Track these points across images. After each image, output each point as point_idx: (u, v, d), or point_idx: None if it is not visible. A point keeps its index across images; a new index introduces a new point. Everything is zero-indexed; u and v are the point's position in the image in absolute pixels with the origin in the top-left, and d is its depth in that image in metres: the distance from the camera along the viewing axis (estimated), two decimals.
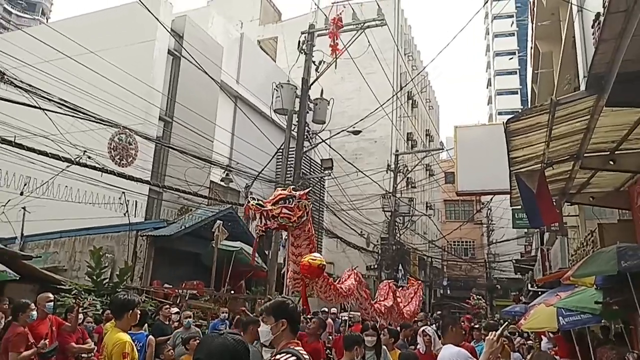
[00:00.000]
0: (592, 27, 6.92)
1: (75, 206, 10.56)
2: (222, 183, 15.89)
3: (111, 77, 11.69)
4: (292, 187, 5.72)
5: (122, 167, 10.37)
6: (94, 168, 9.53)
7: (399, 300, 9.17)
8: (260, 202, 4.99)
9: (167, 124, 15.42)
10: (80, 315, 6.81)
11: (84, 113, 9.53)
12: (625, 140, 5.84)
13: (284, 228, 5.15)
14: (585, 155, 6.16)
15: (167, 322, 7.92)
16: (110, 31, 15.37)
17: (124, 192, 10.72)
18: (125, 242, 11.69)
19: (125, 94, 11.94)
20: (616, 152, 6.12)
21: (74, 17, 17.59)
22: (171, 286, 11.44)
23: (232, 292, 12.78)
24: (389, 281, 9.66)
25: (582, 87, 9.16)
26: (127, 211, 10.94)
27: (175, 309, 8.43)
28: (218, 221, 12.07)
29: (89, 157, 9.46)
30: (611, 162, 6.20)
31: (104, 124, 10.06)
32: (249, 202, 5.06)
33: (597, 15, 6.39)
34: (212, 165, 13.96)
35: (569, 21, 10.90)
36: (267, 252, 13.19)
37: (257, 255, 13.15)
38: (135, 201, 11.39)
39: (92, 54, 12.12)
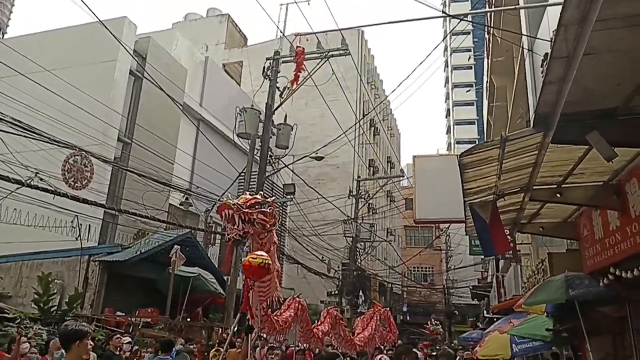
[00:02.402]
0: (541, 66, 7.36)
1: (24, 229, 10.09)
2: (182, 207, 15.59)
3: (70, 96, 11.40)
4: (261, 192, 5.51)
5: (76, 189, 10.03)
6: (46, 190, 9.17)
7: (343, 326, 9.26)
8: (236, 203, 4.72)
9: (125, 145, 15.09)
10: (26, 345, 6.44)
11: (37, 133, 9.20)
12: (571, 175, 6.15)
13: (257, 234, 4.90)
14: (535, 187, 6.43)
15: (118, 352, 7.60)
16: (71, 50, 15.07)
17: (76, 216, 10.33)
18: (76, 267, 11.21)
19: (83, 115, 11.65)
20: (563, 186, 6.42)
21: (32, 34, 17.13)
22: (124, 314, 11.01)
23: (189, 320, 12.42)
24: (329, 307, 9.77)
25: (533, 121, 9.66)
26: (79, 235, 10.53)
27: (127, 339, 8.11)
28: (176, 246, 11.79)
29: (41, 179, 9.11)
30: (558, 195, 6.48)
31: (59, 145, 9.74)
32: (223, 202, 4.79)
33: (546, 55, 6.81)
34: (172, 189, 13.69)
35: (521, 59, 11.55)
36: (225, 278, 12.94)
37: (214, 281, 12.89)
38: (88, 225, 10.99)
39: (50, 73, 11.80)
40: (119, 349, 7.65)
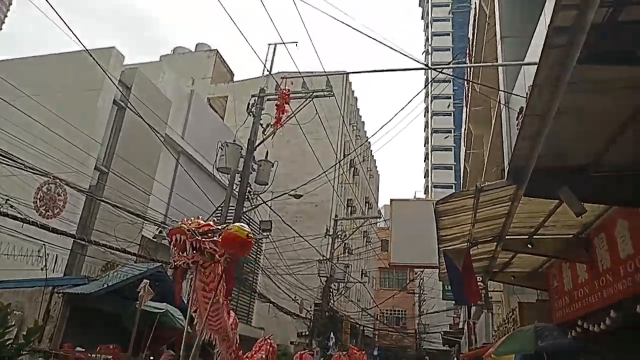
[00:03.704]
0: (517, 119, 7.64)
1: None
2: (155, 240, 15.26)
3: (50, 123, 11.27)
4: (214, 219, 5.23)
5: (47, 218, 9.76)
6: (15, 218, 8.89)
7: None
8: (190, 228, 4.45)
9: (102, 174, 14.85)
10: None
11: (9, 159, 9.00)
12: (542, 227, 6.31)
13: (201, 263, 4.57)
14: (507, 237, 6.56)
15: None
16: (55, 76, 15.00)
17: (44, 245, 10.00)
18: (38, 298, 10.72)
19: (62, 142, 11.50)
20: (534, 237, 6.57)
21: (15, 59, 17.03)
22: (84, 350, 10.51)
23: (151, 357, 11.92)
24: (303, 352, 9.58)
25: (507, 173, 9.94)
26: (45, 265, 10.15)
27: None
28: (145, 280, 11.43)
29: (11, 206, 8.84)
30: (529, 246, 6.62)
31: (33, 173, 9.54)
32: (177, 226, 4.51)
33: (521, 109, 7.09)
34: (146, 221, 13.44)
35: (497, 110, 11.98)
36: (193, 315, 12.55)
37: (182, 318, 12.47)
38: (56, 255, 10.63)
39: (30, 98, 11.69)
40: None
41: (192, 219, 4.68)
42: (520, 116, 6.99)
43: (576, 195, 4.95)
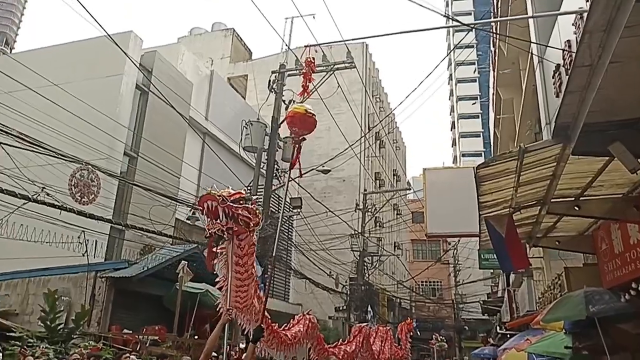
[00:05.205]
0: (553, 77, 7.24)
1: (30, 245, 9.97)
2: (188, 221, 15.45)
3: (76, 110, 11.38)
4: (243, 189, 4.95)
5: (83, 204, 9.93)
6: (53, 206, 9.07)
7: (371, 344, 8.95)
8: (221, 195, 4.22)
9: (132, 159, 15.04)
10: None
11: (44, 148, 9.14)
12: (589, 187, 6.01)
13: (237, 233, 4.42)
14: (552, 200, 6.29)
15: None
16: (77, 64, 15.12)
17: (83, 231, 10.21)
18: (83, 284, 11.04)
19: (89, 128, 11.62)
20: (581, 198, 6.28)
21: (39, 48, 17.25)
22: (131, 332, 10.80)
23: (196, 337, 12.19)
24: (361, 325, 9.43)
25: (544, 133, 9.50)
26: (86, 251, 10.39)
27: (135, 357, 7.93)
28: (183, 262, 11.61)
29: (48, 194, 9.01)
30: (576, 208, 6.35)
31: (65, 160, 9.67)
32: (207, 192, 4.28)
33: (558, 66, 6.69)
34: (178, 203, 13.58)
35: (529, 70, 11.43)
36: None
37: None
38: (95, 240, 10.86)
39: (57, 87, 11.81)
40: None
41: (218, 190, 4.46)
42: (558, 72, 6.59)
43: (629, 151, 4.65)
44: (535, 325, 8.49)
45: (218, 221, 4.19)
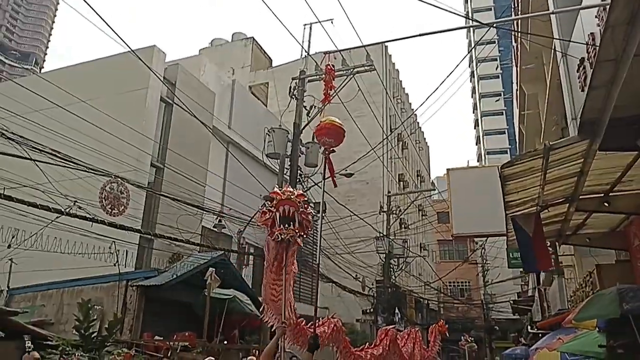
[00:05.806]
0: (577, 71, 7.10)
1: (64, 257, 10.31)
2: (215, 229, 15.68)
3: (103, 125, 11.72)
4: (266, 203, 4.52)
5: (114, 216, 10.21)
6: (84, 218, 9.36)
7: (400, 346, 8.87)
8: (298, 200, 4.04)
9: (158, 170, 15.36)
10: None
11: (75, 163, 9.45)
12: (619, 183, 5.88)
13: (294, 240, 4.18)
14: (580, 197, 6.17)
15: None
16: (103, 80, 15.56)
17: (114, 242, 10.50)
18: (114, 292, 11.33)
19: (117, 142, 11.94)
20: (610, 194, 6.14)
21: (67, 67, 17.82)
22: (162, 338, 11.03)
23: (225, 342, 12.35)
24: (387, 328, 9.37)
25: (570, 128, 9.32)
26: (117, 261, 10.67)
27: None
28: (210, 269, 11.80)
29: (80, 207, 9.31)
30: (606, 204, 6.21)
31: (95, 173, 9.98)
32: (285, 197, 4.06)
33: (582, 60, 6.57)
34: (205, 212, 13.81)
35: (553, 65, 11.23)
36: (260, 299, 12.84)
37: (250, 303, 12.81)
38: (125, 250, 11.14)
39: (85, 103, 12.19)
40: None
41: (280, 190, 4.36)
42: (583, 66, 6.48)
43: None
44: (567, 324, 8.28)
45: (291, 227, 4.05)
